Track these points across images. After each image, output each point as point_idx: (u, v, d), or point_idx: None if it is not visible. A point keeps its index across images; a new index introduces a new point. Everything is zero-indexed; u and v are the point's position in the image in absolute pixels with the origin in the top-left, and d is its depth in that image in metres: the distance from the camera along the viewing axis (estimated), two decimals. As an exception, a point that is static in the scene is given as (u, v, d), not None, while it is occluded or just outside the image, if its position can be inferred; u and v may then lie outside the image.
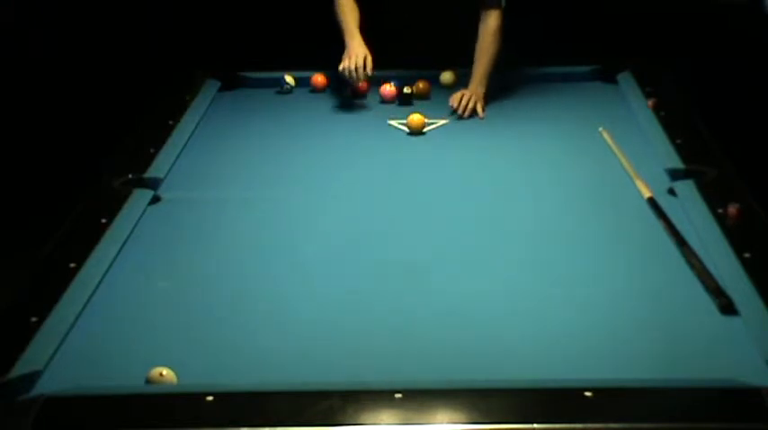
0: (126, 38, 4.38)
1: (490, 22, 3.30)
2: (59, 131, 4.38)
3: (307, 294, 2.15)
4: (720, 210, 2.34)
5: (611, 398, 1.68)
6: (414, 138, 3.04)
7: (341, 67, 3.18)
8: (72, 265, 2.19)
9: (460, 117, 3.15)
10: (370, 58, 3.18)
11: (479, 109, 3.18)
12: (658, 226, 2.37)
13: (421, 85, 3.33)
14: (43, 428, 1.65)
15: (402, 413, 1.66)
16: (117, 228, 2.40)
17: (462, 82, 3.29)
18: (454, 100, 3.18)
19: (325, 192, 2.69)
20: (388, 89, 3.27)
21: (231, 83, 3.51)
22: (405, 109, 3.19)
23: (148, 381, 1.79)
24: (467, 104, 3.16)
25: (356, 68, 3.16)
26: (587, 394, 1.66)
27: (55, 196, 3.29)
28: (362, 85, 3.25)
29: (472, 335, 1.96)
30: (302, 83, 3.46)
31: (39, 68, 4.38)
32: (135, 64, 4.32)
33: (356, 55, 3.18)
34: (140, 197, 2.58)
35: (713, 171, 2.58)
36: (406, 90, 3.24)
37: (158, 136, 2.96)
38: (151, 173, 2.72)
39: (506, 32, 3.34)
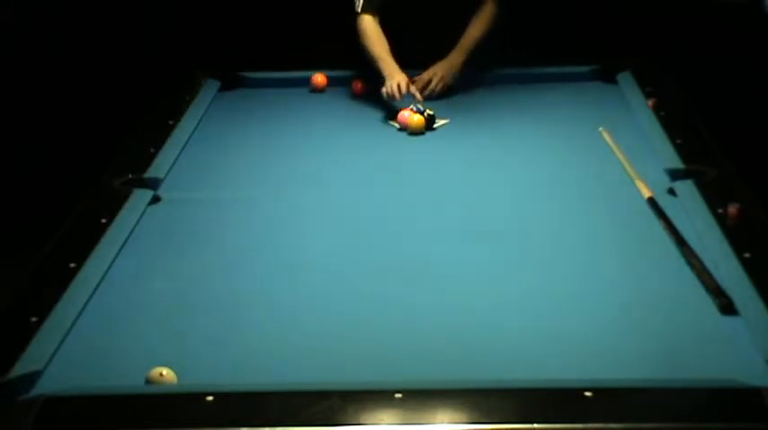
0: (126, 38, 4.38)
1: (484, 10, 3.42)
2: (59, 131, 4.38)
3: (307, 294, 2.15)
4: (720, 210, 2.34)
5: (611, 398, 1.68)
6: (414, 139, 3.04)
7: (383, 90, 3.20)
8: (72, 265, 2.19)
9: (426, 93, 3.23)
10: (408, 83, 3.20)
11: (442, 87, 3.28)
12: (658, 226, 2.37)
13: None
14: (43, 428, 1.65)
15: (402, 413, 1.66)
16: (117, 228, 2.40)
17: (461, 83, 3.29)
18: (420, 81, 3.26)
19: (324, 192, 2.69)
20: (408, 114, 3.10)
21: (231, 83, 3.51)
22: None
23: (148, 381, 1.79)
24: (432, 88, 3.25)
25: (397, 89, 3.16)
26: (587, 394, 1.66)
27: (55, 196, 3.29)
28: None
29: (472, 334, 1.96)
30: (302, 83, 3.46)
31: (39, 68, 4.38)
32: (135, 64, 4.32)
33: (395, 80, 3.18)
34: (140, 197, 2.58)
35: (713, 171, 2.58)
36: (430, 112, 3.09)
37: (158, 136, 2.96)
38: (151, 173, 2.72)
39: (508, 33, 3.35)
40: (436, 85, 3.30)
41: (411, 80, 3.23)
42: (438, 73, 3.32)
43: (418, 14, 3.43)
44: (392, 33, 3.40)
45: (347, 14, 3.40)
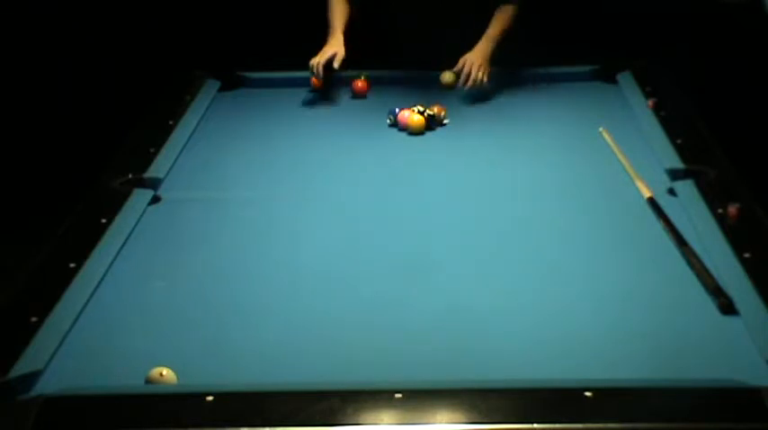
0: (126, 38, 4.38)
1: (506, 9, 3.38)
2: (60, 131, 4.38)
3: (307, 293, 2.15)
4: (720, 210, 2.34)
5: (611, 398, 1.68)
6: (414, 139, 3.04)
7: (311, 61, 3.25)
8: (72, 265, 2.19)
9: (465, 84, 3.20)
10: (339, 56, 3.23)
11: (485, 76, 3.21)
12: (658, 226, 2.37)
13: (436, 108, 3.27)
14: (43, 428, 1.65)
15: (402, 413, 1.66)
16: (117, 228, 2.40)
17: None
18: (460, 70, 3.21)
19: (324, 192, 2.69)
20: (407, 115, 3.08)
21: (231, 83, 3.51)
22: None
23: (148, 381, 1.80)
24: (470, 73, 3.19)
25: (318, 63, 3.22)
26: (587, 394, 1.66)
27: (55, 196, 3.29)
28: (317, 81, 3.30)
29: (472, 334, 1.96)
30: (302, 83, 3.46)
31: (39, 68, 4.38)
32: (135, 64, 4.32)
33: (324, 51, 3.24)
34: (140, 197, 2.58)
35: (713, 171, 2.58)
36: (430, 112, 3.07)
37: (158, 136, 2.96)
38: (151, 173, 2.72)
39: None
40: (478, 73, 3.20)
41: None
42: (475, 61, 3.22)
43: (420, 15, 3.43)
44: (392, 34, 3.41)
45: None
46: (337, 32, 3.31)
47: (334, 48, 3.26)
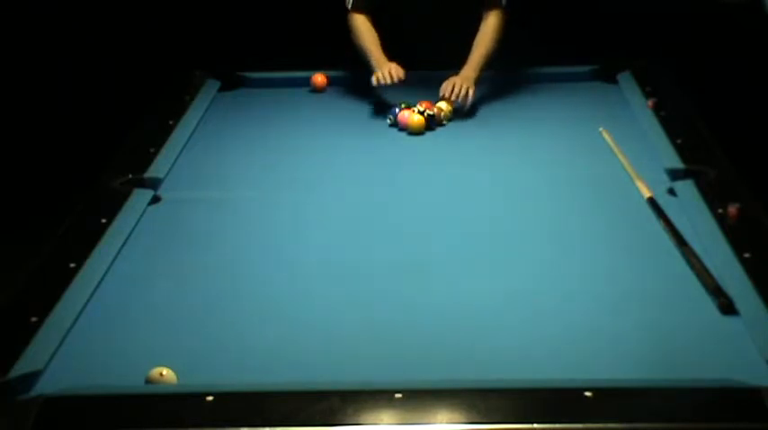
0: (126, 38, 4.38)
1: (490, 20, 3.35)
2: (60, 131, 4.38)
3: (307, 294, 2.15)
4: (720, 210, 2.34)
5: (611, 398, 1.68)
6: (414, 139, 3.05)
7: (372, 79, 3.18)
8: (72, 265, 2.19)
9: (450, 100, 3.15)
10: (401, 68, 3.20)
11: (469, 94, 3.17)
12: (658, 226, 2.37)
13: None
14: (43, 428, 1.65)
15: (402, 413, 1.66)
16: (117, 228, 2.40)
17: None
18: (445, 89, 3.17)
19: (325, 191, 2.69)
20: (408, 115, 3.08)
21: (231, 83, 3.52)
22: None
23: (148, 381, 1.79)
24: (458, 91, 3.15)
25: (388, 72, 3.17)
26: (587, 394, 1.66)
27: (55, 196, 3.29)
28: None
29: (472, 334, 1.96)
30: (302, 83, 3.47)
31: (39, 68, 4.38)
32: (135, 64, 4.32)
33: (386, 66, 3.20)
34: (140, 197, 2.58)
35: (713, 171, 2.58)
36: (430, 112, 3.07)
37: (158, 136, 2.96)
38: (151, 173, 2.72)
39: (507, 33, 3.35)
40: (461, 88, 3.15)
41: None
42: (456, 80, 3.19)
43: (420, 15, 3.43)
44: (393, 35, 3.40)
45: (345, 13, 3.40)
46: (383, 57, 3.25)
47: (393, 64, 3.21)
